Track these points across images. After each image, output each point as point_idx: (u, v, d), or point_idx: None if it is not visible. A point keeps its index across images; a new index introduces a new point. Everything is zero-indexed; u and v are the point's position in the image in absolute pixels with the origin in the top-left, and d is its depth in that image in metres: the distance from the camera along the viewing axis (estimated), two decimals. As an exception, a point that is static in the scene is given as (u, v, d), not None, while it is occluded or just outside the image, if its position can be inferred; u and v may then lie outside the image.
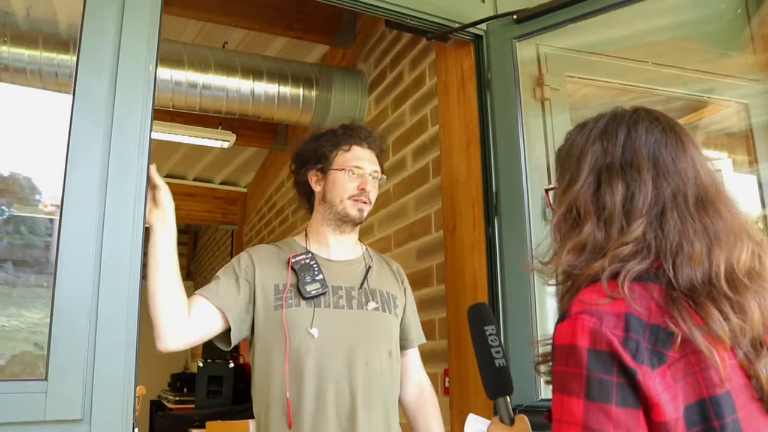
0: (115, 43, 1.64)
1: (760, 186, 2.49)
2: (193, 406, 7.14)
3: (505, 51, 2.31)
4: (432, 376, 2.92)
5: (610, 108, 1.12)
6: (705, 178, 1.01)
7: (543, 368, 1.06)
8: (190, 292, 1.74)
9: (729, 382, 0.87)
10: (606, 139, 1.05)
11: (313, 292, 1.82)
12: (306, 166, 2.01)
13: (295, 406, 1.75)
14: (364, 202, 1.93)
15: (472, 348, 1.30)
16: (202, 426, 5.21)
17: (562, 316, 0.94)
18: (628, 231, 0.97)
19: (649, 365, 0.86)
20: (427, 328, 2.98)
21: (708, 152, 2.81)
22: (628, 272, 0.93)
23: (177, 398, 8.34)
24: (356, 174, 1.93)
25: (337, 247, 1.97)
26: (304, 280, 1.84)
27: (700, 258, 0.93)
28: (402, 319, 2.02)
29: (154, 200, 1.64)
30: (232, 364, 6.93)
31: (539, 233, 2.16)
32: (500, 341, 1.28)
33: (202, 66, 3.94)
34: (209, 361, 6.98)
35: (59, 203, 1.53)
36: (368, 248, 2.09)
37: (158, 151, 5.87)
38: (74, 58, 1.63)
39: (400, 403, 1.98)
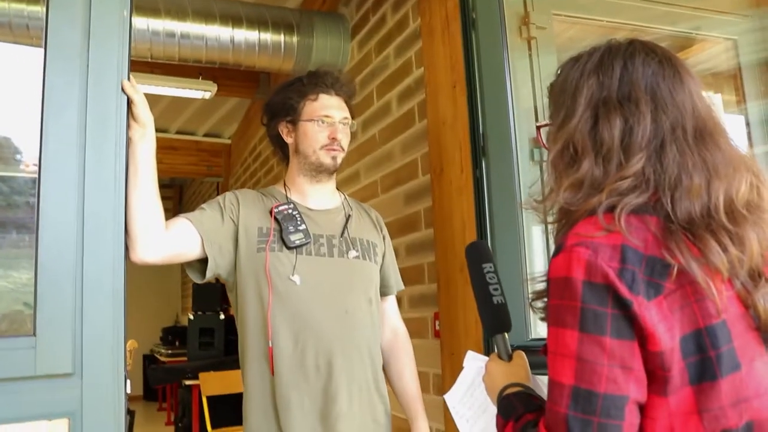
0: (85, -12, 1.58)
1: (747, 125, 2.49)
2: (185, 358, 7.21)
3: (490, -11, 2.26)
4: (422, 320, 2.95)
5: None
6: (703, 110, 1.00)
7: (539, 304, 1.06)
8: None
9: (725, 313, 0.88)
10: (602, 72, 1.03)
11: (297, 242, 1.83)
12: (276, 118, 1.99)
13: (276, 352, 1.77)
14: (337, 150, 1.92)
15: (461, 291, 1.30)
16: (195, 377, 5.26)
17: (558, 250, 0.94)
18: (627, 165, 0.96)
19: (645, 296, 0.86)
20: (416, 273, 3.00)
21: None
22: (625, 205, 0.93)
23: (170, 351, 8.42)
24: (326, 123, 1.91)
25: (316, 197, 1.97)
26: (287, 229, 1.84)
27: (699, 191, 0.92)
28: (381, 267, 2.03)
29: (133, 115, 1.60)
30: (222, 316, 6.97)
31: (527, 175, 2.15)
32: (498, 279, 1.28)
33: (179, 14, 3.83)
34: (200, 313, 7.02)
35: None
36: (347, 197, 2.09)
37: (138, 104, 5.73)
38: (44, 9, 1.57)
39: None
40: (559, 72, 1.11)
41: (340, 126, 1.93)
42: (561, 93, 1.08)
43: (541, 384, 1.15)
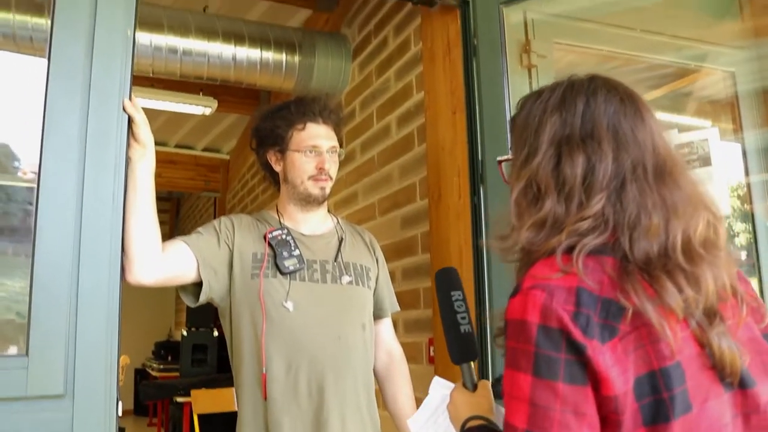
0: (91, 7, 1.58)
1: (744, 154, 2.50)
2: (177, 374, 7.16)
3: (492, 17, 2.28)
4: (416, 345, 2.94)
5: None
6: (663, 148, 1.00)
7: (500, 341, 1.06)
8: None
9: (679, 354, 0.87)
10: (564, 109, 1.02)
11: (291, 267, 1.84)
12: (264, 146, 1.99)
13: (269, 378, 1.77)
14: (324, 179, 1.92)
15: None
16: (187, 394, 5.23)
17: (515, 291, 0.94)
18: (588, 205, 0.95)
19: (599, 339, 0.86)
20: (412, 297, 2.99)
21: (694, 119, 2.82)
22: (583, 246, 0.92)
23: (162, 366, 8.36)
24: (314, 153, 1.91)
25: (308, 223, 1.97)
26: (281, 255, 1.84)
27: (657, 230, 0.93)
28: (375, 290, 2.03)
29: (134, 135, 1.60)
30: (216, 333, 6.94)
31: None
32: (466, 307, 1.28)
33: (182, 30, 3.85)
34: (193, 329, 6.99)
35: (37, 171, 1.49)
36: (340, 219, 2.09)
37: (138, 118, 5.74)
38: (49, 22, 1.58)
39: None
40: (520, 106, 1.11)
41: (327, 156, 1.92)
42: (524, 129, 1.07)
43: (504, 413, 1.15)
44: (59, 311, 1.42)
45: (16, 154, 2.22)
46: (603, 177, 0.96)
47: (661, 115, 2.79)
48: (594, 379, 0.86)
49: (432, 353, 2.71)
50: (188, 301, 1.82)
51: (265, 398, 1.76)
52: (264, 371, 1.77)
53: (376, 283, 2.04)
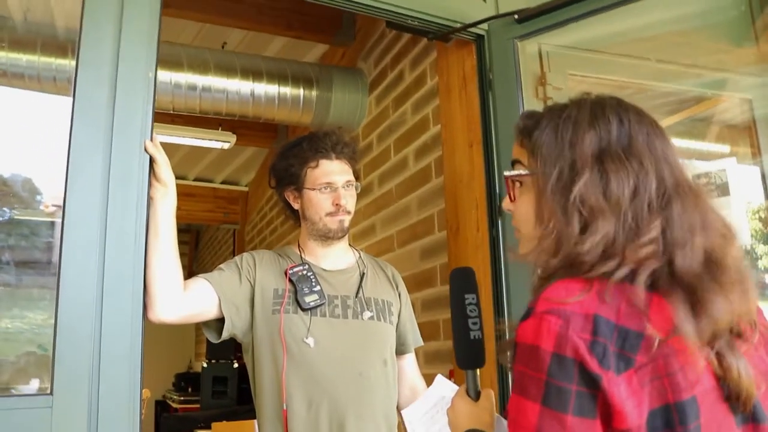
0: (114, 49, 1.63)
1: (763, 177, 2.48)
2: (198, 405, 7.16)
3: (507, 51, 2.30)
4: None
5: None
6: (685, 170, 0.99)
7: (502, 358, 1.02)
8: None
9: (696, 387, 0.85)
10: (599, 125, 0.98)
11: (312, 303, 1.84)
12: (281, 185, 2.01)
13: (290, 414, 1.76)
14: (342, 214, 1.93)
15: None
16: (208, 427, 5.22)
17: (527, 314, 0.90)
18: (647, 229, 0.92)
19: (615, 370, 0.84)
20: (432, 329, 2.98)
21: (711, 145, 2.81)
22: (643, 272, 0.89)
23: (182, 398, 8.35)
24: (329, 190, 1.92)
25: (329, 257, 1.98)
26: (302, 291, 1.85)
27: (700, 252, 0.91)
28: (398, 325, 2.02)
29: (155, 175, 1.63)
30: (236, 365, 6.94)
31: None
32: (479, 312, 1.23)
33: (202, 68, 3.92)
34: (213, 361, 6.99)
35: (59, 205, 1.52)
36: (362, 253, 2.09)
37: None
38: (73, 63, 1.62)
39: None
40: (537, 121, 1.05)
41: (343, 191, 1.93)
42: (552, 144, 1.01)
43: (506, 426, 1.13)
44: (83, 350, 1.44)
45: (38, 189, 2.25)
46: (650, 196, 0.93)
47: (678, 141, 2.81)
48: (607, 411, 0.83)
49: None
50: (211, 337, 1.84)
51: None
52: (285, 407, 1.77)
53: (399, 318, 2.03)
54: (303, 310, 1.83)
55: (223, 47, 4.92)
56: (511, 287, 2.14)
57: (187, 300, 1.70)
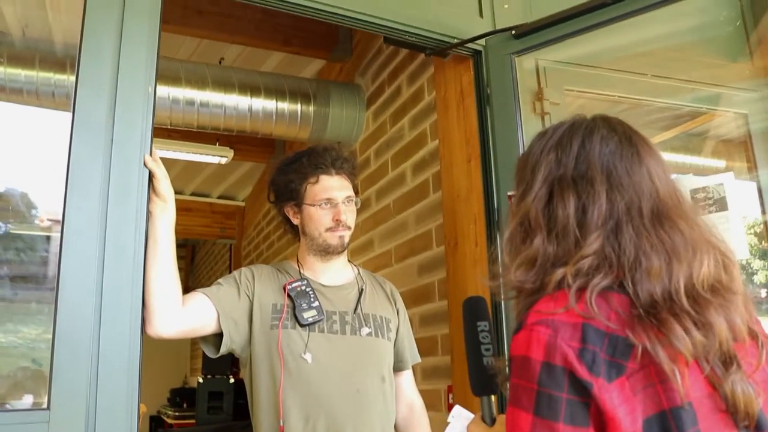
0: (113, 65, 1.63)
1: (759, 192, 2.49)
2: (193, 421, 7.10)
3: (504, 66, 2.31)
4: (435, 393, 2.92)
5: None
6: (662, 190, 0.99)
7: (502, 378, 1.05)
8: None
9: (690, 395, 0.86)
10: (561, 149, 1.03)
11: (310, 319, 1.84)
12: (281, 201, 2.01)
13: (287, 430, 1.76)
14: (342, 229, 1.93)
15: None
16: (203, 443, 5.19)
17: (518, 327, 0.93)
18: (585, 244, 0.95)
19: (606, 378, 0.84)
20: (430, 344, 2.97)
21: (708, 160, 2.82)
22: (594, 287, 0.91)
23: (177, 414, 8.29)
24: (329, 205, 1.92)
25: (328, 273, 1.98)
26: (300, 306, 1.85)
27: (659, 274, 0.91)
28: (396, 341, 2.02)
29: (155, 190, 1.63)
30: (232, 380, 6.90)
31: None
32: (491, 339, 1.26)
33: (200, 83, 3.93)
34: (209, 376, 6.95)
35: (56, 220, 1.52)
36: (360, 269, 2.09)
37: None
38: (71, 78, 1.63)
39: None
40: (529, 145, 1.12)
41: (343, 207, 1.93)
42: (524, 167, 1.08)
43: None
44: (81, 366, 1.43)
45: (34, 203, 2.25)
46: (597, 217, 0.96)
47: (674, 156, 2.82)
48: (600, 419, 0.84)
49: (451, 400, 2.69)
50: (209, 352, 1.83)
51: None
52: (281, 423, 1.76)
53: (397, 334, 2.03)
54: (301, 325, 1.83)
55: (220, 62, 4.94)
56: (509, 303, 2.13)
57: (186, 315, 1.69)
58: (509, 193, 1.19)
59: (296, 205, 1.96)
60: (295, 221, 1.99)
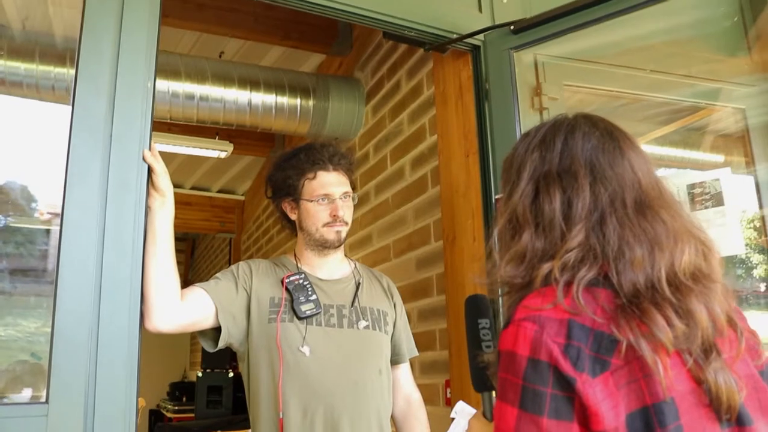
0: (113, 60, 1.64)
1: (757, 187, 2.50)
2: (192, 415, 7.12)
3: (503, 61, 2.31)
4: (433, 387, 2.93)
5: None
6: (644, 182, 1.01)
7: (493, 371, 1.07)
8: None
9: (673, 390, 0.87)
10: (544, 147, 1.06)
11: (308, 312, 1.85)
12: (278, 196, 2.02)
13: (286, 423, 1.77)
14: (339, 225, 1.94)
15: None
16: (203, 437, 5.20)
17: (507, 322, 0.94)
18: (570, 237, 0.97)
19: (590, 373, 0.86)
20: (428, 339, 2.98)
21: (706, 154, 2.83)
22: (580, 280, 0.93)
23: (176, 407, 8.32)
24: (327, 201, 1.94)
25: (325, 267, 1.99)
26: (298, 300, 1.86)
27: (642, 263, 0.93)
28: (393, 335, 2.03)
29: (153, 184, 1.63)
30: (231, 374, 6.92)
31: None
32: (492, 336, 1.28)
33: (199, 77, 3.94)
34: (209, 370, 6.97)
35: (56, 213, 1.53)
36: (357, 264, 2.10)
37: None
38: (71, 72, 1.63)
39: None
40: (513, 147, 1.15)
41: (340, 202, 1.94)
42: (509, 168, 1.11)
43: None
44: (79, 359, 1.44)
45: (34, 196, 2.25)
46: (581, 209, 0.98)
47: (673, 151, 2.82)
48: (583, 413, 0.85)
49: (449, 395, 2.70)
50: (207, 346, 1.84)
51: None
52: (281, 416, 1.77)
53: (394, 328, 2.04)
54: (299, 318, 1.84)
55: (220, 56, 4.94)
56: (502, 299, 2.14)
57: (184, 309, 1.70)
58: (496, 197, 1.21)
59: (294, 200, 1.98)
60: (293, 216, 2.00)
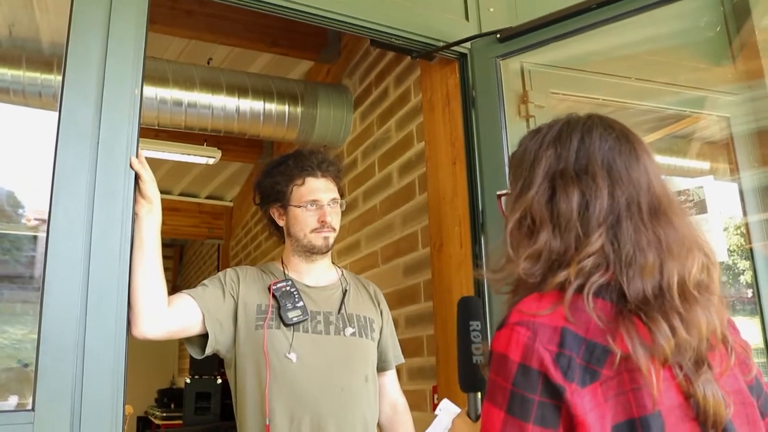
0: (100, 67, 1.64)
1: (741, 194, 2.52)
2: (180, 422, 7.10)
3: (490, 69, 2.33)
4: (420, 393, 2.93)
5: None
6: (658, 187, 1.01)
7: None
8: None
9: (661, 403, 0.87)
10: (560, 144, 1.04)
11: (295, 319, 1.86)
12: (266, 202, 2.03)
13: (272, 429, 1.77)
14: (327, 231, 1.95)
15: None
16: (191, 444, 5.18)
17: (501, 324, 0.94)
18: (589, 242, 0.95)
19: (579, 383, 0.86)
20: (415, 345, 2.99)
21: (691, 162, 2.85)
22: (592, 285, 0.92)
23: (164, 414, 8.28)
24: (315, 207, 1.95)
25: (312, 274, 2.00)
26: (285, 306, 1.86)
27: (653, 270, 0.92)
28: (379, 342, 2.04)
29: (141, 191, 1.64)
30: (220, 380, 6.89)
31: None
32: (482, 338, 1.29)
33: (187, 83, 3.93)
34: (197, 377, 6.94)
35: (43, 219, 1.53)
36: (344, 271, 2.11)
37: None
38: (58, 78, 1.63)
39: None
40: (519, 143, 1.13)
41: (328, 208, 1.96)
42: (520, 163, 1.08)
43: None
44: (66, 366, 1.44)
45: (21, 202, 2.25)
46: (599, 212, 0.96)
47: (659, 159, 2.84)
48: (570, 423, 0.86)
49: (436, 401, 2.71)
50: (194, 353, 1.84)
51: None
52: (267, 422, 1.77)
53: (381, 335, 2.05)
54: (286, 325, 1.85)
55: (208, 63, 4.94)
56: (493, 303, 2.15)
57: (171, 316, 1.70)
58: (499, 192, 1.20)
59: (282, 206, 1.98)
60: (281, 222, 2.01)
